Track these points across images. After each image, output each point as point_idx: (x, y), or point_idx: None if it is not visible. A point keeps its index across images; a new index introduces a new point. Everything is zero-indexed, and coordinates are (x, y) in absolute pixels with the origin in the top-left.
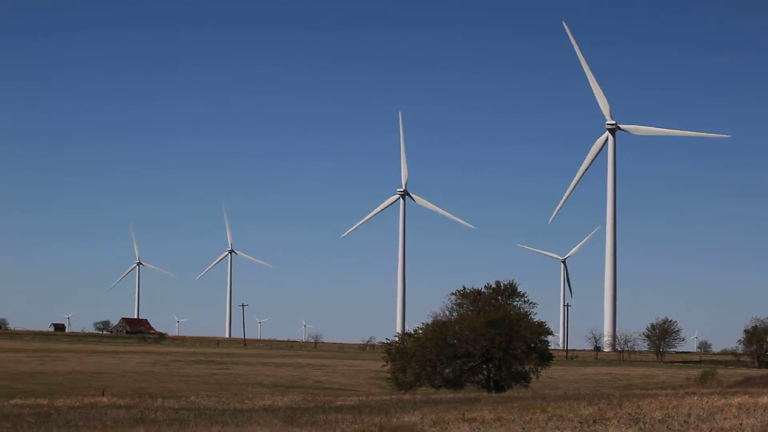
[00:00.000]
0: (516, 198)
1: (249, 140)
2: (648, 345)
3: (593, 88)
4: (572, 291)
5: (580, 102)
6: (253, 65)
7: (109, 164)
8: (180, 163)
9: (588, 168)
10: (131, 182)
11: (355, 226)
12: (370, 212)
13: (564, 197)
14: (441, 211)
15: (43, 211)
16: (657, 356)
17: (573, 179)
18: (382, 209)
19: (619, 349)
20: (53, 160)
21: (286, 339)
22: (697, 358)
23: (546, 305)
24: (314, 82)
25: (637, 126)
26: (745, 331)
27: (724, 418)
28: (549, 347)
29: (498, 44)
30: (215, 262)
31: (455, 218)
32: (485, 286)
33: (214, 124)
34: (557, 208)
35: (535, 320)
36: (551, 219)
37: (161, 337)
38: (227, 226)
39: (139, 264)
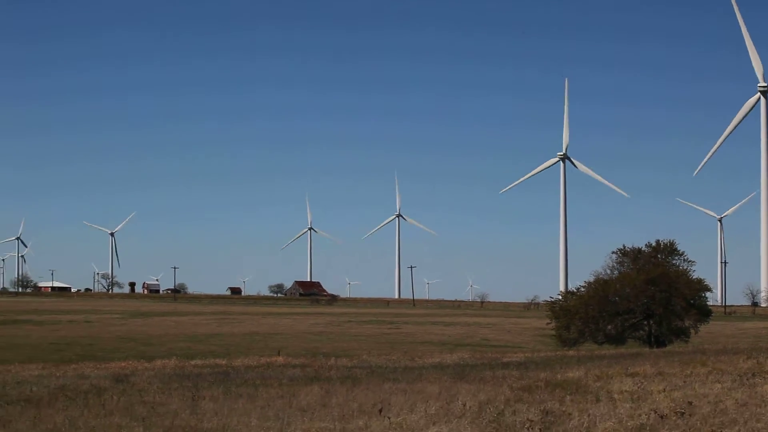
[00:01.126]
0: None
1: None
2: None
3: (749, 49)
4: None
5: (731, 67)
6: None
7: (287, 144)
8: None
9: (735, 128)
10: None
11: (514, 183)
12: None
13: (709, 154)
14: (598, 178)
15: (222, 182)
16: None
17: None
18: (542, 170)
19: None
20: (232, 135)
21: (453, 299)
22: None
23: (703, 263)
24: (482, 46)
25: None
26: None
27: None
28: (707, 303)
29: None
30: (383, 224)
31: (612, 185)
32: (645, 245)
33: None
34: (702, 162)
35: (693, 277)
36: (695, 172)
37: (333, 299)
38: (397, 191)
39: (310, 229)
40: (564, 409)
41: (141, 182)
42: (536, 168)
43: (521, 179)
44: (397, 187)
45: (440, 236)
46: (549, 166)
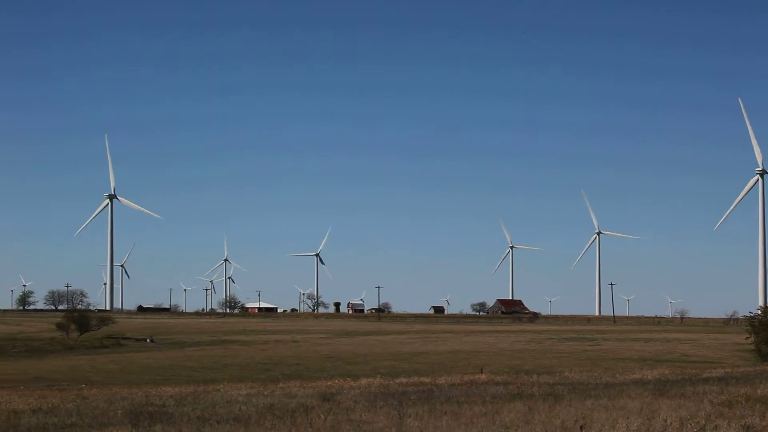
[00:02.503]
0: None
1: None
2: None
3: None
4: None
5: None
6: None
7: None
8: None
9: None
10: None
11: (725, 215)
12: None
13: None
14: None
15: (422, 206)
16: None
17: None
18: (746, 193)
19: None
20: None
21: (653, 315)
22: None
23: None
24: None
25: None
26: None
27: None
28: None
29: None
30: (586, 247)
31: None
32: None
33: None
34: None
35: None
36: None
37: (534, 317)
38: (590, 209)
39: (512, 248)
40: (765, 424)
41: (343, 207)
42: (742, 192)
43: (731, 208)
44: (588, 204)
45: (639, 247)
46: (751, 188)
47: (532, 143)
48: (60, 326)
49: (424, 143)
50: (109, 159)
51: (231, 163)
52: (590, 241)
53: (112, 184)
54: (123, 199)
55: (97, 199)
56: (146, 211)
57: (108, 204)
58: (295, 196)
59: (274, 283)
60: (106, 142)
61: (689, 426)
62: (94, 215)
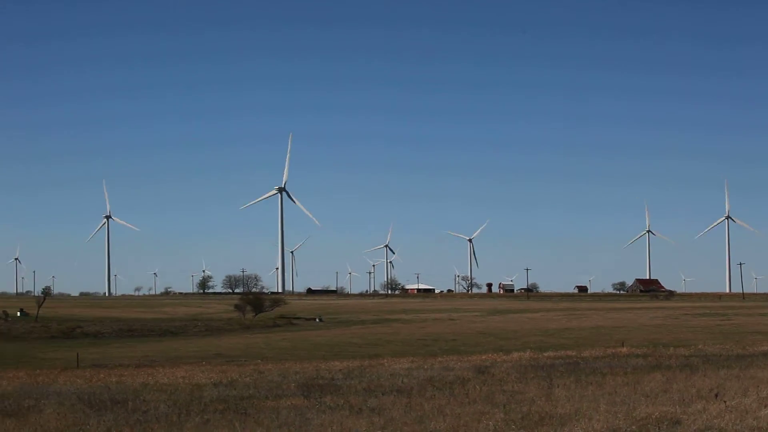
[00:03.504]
0: None
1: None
2: None
3: None
4: None
5: None
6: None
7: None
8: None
9: None
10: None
11: None
12: None
13: None
14: None
15: (564, 189)
16: None
17: None
18: None
19: None
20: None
21: None
22: None
23: None
24: None
25: None
26: None
27: None
28: None
29: None
30: (711, 226)
31: None
32: None
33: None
34: None
35: None
36: None
37: (670, 294)
38: (726, 194)
39: (648, 232)
40: None
41: (496, 195)
42: None
43: None
44: (726, 189)
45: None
46: None
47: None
48: (237, 307)
49: (575, 138)
50: (288, 157)
51: (405, 152)
52: (717, 222)
53: (285, 178)
54: (291, 194)
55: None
56: (309, 213)
57: (278, 195)
58: (457, 188)
59: (431, 266)
60: (290, 141)
61: None
62: (260, 198)
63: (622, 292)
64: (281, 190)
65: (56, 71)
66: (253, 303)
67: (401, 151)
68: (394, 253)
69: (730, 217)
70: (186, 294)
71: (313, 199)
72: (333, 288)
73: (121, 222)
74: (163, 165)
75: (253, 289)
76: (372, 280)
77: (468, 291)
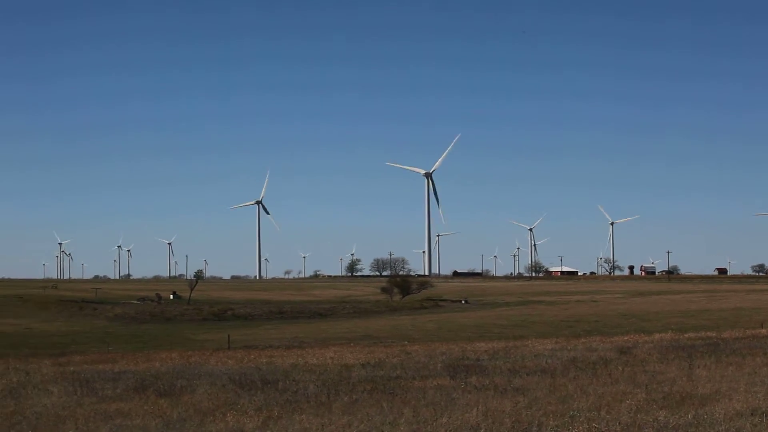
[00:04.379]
0: None
1: None
2: None
3: None
4: None
5: None
6: None
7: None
8: None
9: None
10: None
11: None
12: None
13: None
14: None
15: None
16: None
17: None
18: None
19: None
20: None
21: None
22: None
23: None
24: None
25: None
26: None
27: None
28: None
29: None
30: None
31: None
32: None
33: None
34: None
35: None
36: None
37: None
38: None
39: None
40: None
41: (647, 184)
42: None
43: None
44: None
45: None
46: None
47: None
48: (384, 290)
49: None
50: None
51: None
52: None
53: (436, 166)
54: (434, 182)
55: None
56: (441, 212)
57: (425, 179)
58: (602, 174)
59: (575, 249)
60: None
61: None
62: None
63: (761, 274)
64: (427, 175)
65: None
66: (400, 285)
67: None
68: (530, 231)
69: None
70: (335, 277)
71: (464, 183)
72: (478, 271)
73: (269, 217)
74: (314, 159)
75: (400, 272)
76: (516, 262)
77: (610, 273)
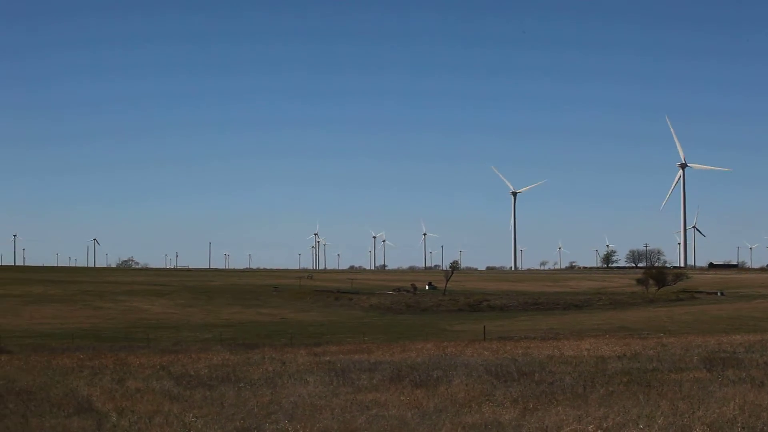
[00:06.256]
0: None
1: None
2: None
3: None
4: None
5: None
6: None
7: None
8: None
9: None
10: None
11: None
12: None
13: None
14: None
15: None
16: None
17: None
18: None
19: None
20: None
21: None
22: None
23: None
24: None
25: None
26: None
27: None
28: None
29: None
30: None
31: None
32: None
33: None
34: None
35: None
36: None
37: None
38: None
39: None
40: None
41: None
42: None
43: None
44: None
45: None
46: None
47: None
48: (640, 281)
49: None
50: (673, 133)
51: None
52: None
53: (682, 155)
54: (694, 165)
55: (668, 170)
56: (716, 168)
57: (680, 174)
58: None
59: None
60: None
61: None
62: (672, 188)
63: None
64: (683, 166)
65: None
66: (655, 277)
67: None
68: None
69: None
70: (590, 268)
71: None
72: (734, 262)
73: (523, 190)
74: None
75: (656, 264)
76: None
77: None
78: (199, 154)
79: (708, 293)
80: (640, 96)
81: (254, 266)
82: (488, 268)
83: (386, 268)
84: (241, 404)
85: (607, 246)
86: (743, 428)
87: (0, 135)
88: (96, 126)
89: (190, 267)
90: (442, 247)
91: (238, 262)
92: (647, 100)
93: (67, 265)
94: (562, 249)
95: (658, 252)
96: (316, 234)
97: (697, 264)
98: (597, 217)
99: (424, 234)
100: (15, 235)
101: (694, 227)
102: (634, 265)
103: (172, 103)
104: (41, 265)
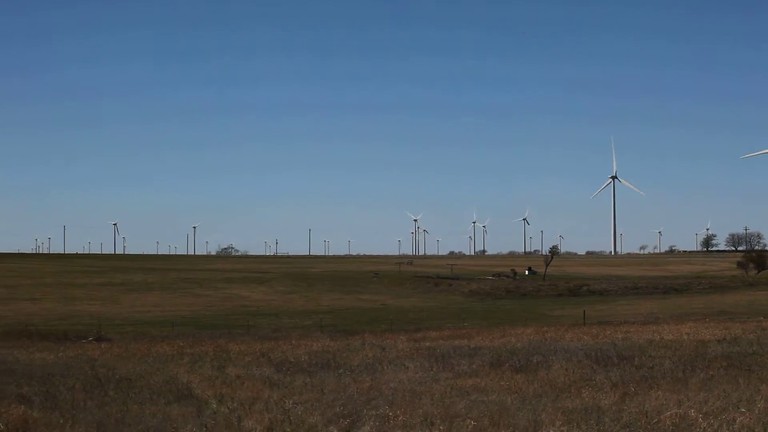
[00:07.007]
0: None
1: None
2: None
3: None
4: None
5: None
6: None
7: None
8: None
9: None
10: None
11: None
12: None
13: None
14: None
15: None
16: None
17: None
18: None
19: None
20: None
21: None
22: None
23: None
24: None
25: None
26: None
27: None
28: None
29: None
30: None
31: None
32: None
33: None
34: None
35: None
36: None
37: None
38: None
39: None
40: None
41: None
42: None
43: None
44: None
45: None
46: None
47: None
48: (740, 265)
49: None
50: None
51: None
52: None
53: None
54: None
55: None
56: None
57: None
58: None
59: None
60: None
61: None
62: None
63: None
64: None
65: None
66: (755, 260)
67: None
68: None
69: None
70: (689, 252)
71: None
72: None
73: (627, 184)
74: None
75: (756, 247)
76: None
77: None
78: (297, 139)
79: None
80: (740, 84)
81: (354, 252)
82: (588, 253)
83: (486, 254)
84: (341, 390)
85: (707, 230)
86: None
87: (103, 127)
88: (194, 115)
89: (290, 254)
90: (542, 231)
91: (338, 249)
92: (749, 88)
93: (167, 253)
94: (661, 233)
95: (758, 235)
96: (416, 220)
97: None
98: (697, 201)
99: (524, 219)
100: (115, 224)
101: None
102: (734, 248)
103: (281, 87)
104: (141, 253)
